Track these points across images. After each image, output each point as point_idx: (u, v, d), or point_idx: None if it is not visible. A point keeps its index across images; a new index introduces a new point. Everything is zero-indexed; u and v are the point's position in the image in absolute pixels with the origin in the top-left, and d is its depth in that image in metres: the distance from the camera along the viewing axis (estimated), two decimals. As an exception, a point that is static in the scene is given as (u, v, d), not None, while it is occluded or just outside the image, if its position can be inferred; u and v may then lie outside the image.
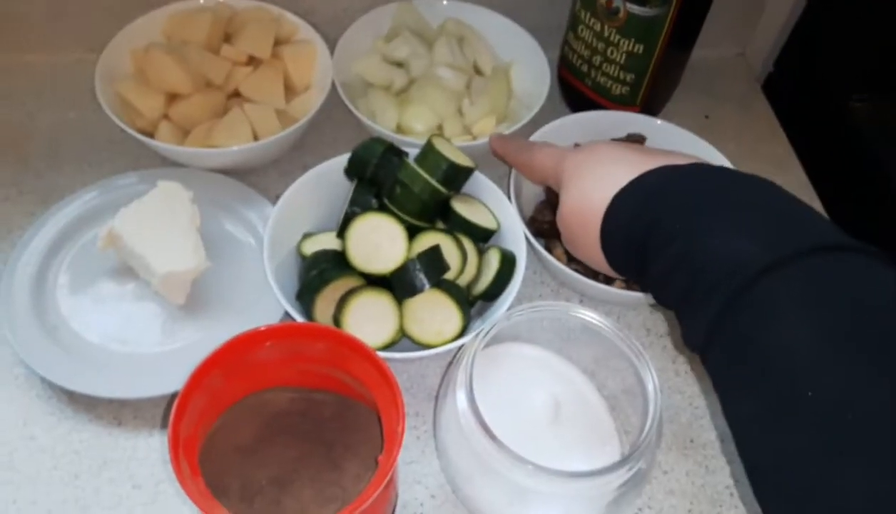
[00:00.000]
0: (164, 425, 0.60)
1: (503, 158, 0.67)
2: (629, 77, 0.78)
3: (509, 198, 0.68)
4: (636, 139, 0.76)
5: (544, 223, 0.71)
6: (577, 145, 0.63)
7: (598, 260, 0.54)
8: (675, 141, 0.75)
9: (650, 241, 0.47)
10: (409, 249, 0.62)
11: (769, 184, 0.46)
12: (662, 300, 0.49)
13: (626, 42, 0.75)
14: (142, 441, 0.59)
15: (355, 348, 0.50)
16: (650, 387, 0.53)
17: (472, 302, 0.66)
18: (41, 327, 0.62)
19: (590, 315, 0.56)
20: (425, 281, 0.60)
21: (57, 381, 0.59)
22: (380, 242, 0.62)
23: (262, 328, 0.50)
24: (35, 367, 0.59)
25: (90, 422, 0.60)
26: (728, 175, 0.48)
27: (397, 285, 0.61)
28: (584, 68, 0.80)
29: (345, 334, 0.50)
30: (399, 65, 0.80)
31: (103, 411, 0.61)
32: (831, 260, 0.39)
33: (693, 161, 0.50)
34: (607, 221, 0.50)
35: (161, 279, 0.63)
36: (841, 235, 0.42)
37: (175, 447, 0.45)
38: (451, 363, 0.64)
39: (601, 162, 0.53)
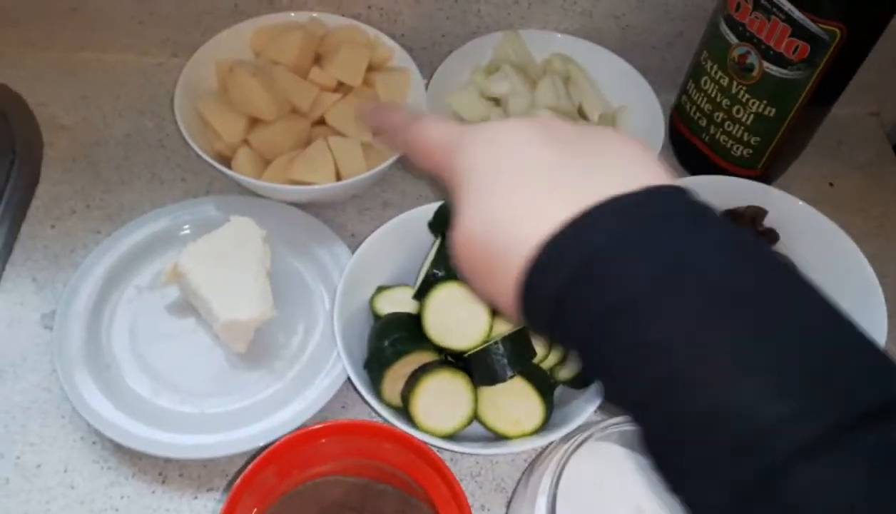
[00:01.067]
0: (212, 487, 0.56)
1: (380, 134, 0.45)
2: (754, 139, 0.69)
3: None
4: (757, 213, 0.67)
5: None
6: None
7: (505, 307, 0.35)
8: (797, 216, 0.67)
9: (608, 338, 0.30)
10: (492, 328, 0.55)
11: (796, 279, 0.31)
12: (618, 404, 0.33)
13: (757, 103, 0.66)
14: (185, 505, 0.55)
15: (426, 457, 0.44)
16: None
17: (555, 385, 0.59)
18: (93, 367, 0.58)
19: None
20: (508, 370, 0.53)
21: (103, 430, 0.55)
22: (461, 316, 0.55)
23: (323, 426, 0.45)
24: (80, 410, 0.55)
25: (133, 477, 0.56)
26: (732, 248, 0.30)
27: (476, 370, 0.54)
28: (703, 123, 0.72)
29: (416, 441, 0.45)
30: (497, 102, 0.73)
31: (148, 466, 0.56)
32: (892, 432, 0.26)
33: (658, 184, 0.31)
34: (532, 279, 0.32)
35: (222, 326, 0.58)
36: None
37: (218, 558, 0.40)
38: (534, 461, 0.58)
39: (518, 168, 0.34)
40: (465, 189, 0.35)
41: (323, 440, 0.45)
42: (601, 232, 0.30)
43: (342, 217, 0.71)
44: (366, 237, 0.61)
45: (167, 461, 0.57)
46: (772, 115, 0.66)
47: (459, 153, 0.36)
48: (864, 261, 0.63)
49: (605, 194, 0.30)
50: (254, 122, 0.67)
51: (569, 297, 0.30)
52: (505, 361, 0.53)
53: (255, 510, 0.44)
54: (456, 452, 0.59)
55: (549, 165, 0.33)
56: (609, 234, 0.29)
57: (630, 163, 0.33)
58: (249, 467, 0.42)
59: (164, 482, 0.56)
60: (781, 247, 0.68)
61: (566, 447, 0.48)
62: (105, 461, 0.56)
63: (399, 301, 0.60)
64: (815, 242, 0.66)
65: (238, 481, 0.41)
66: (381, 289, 0.62)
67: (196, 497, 0.55)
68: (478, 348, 0.54)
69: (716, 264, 0.29)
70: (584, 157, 0.33)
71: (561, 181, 0.32)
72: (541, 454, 0.53)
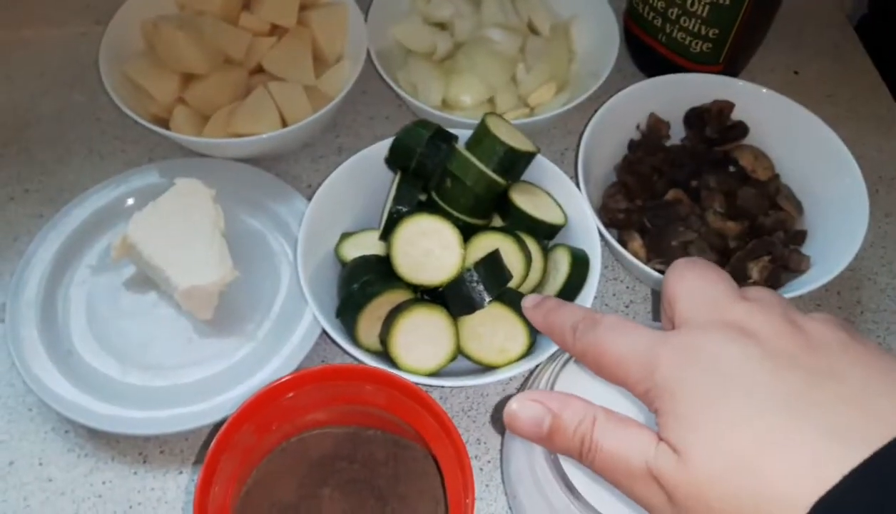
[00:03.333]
0: (195, 460, 0.54)
1: (546, 332, 0.38)
2: (712, 32, 0.66)
3: (577, 184, 0.58)
4: (723, 107, 0.65)
5: (618, 212, 0.61)
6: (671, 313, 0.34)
7: None
8: (764, 106, 0.64)
9: None
10: (465, 255, 0.53)
11: None
12: None
13: (711, -9, 0.63)
14: (171, 481, 0.53)
15: (411, 394, 0.42)
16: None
17: (538, 310, 0.57)
18: (53, 355, 0.55)
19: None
20: (485, 295, 0.51)
21: (72, 416, 0.52)
22: (430, 248, 0.53)
23: (294, 375, 0.42)
24: (47, 401, 0.52)
25: (113, 460, 0.53)
26: None
27: (452, 300, 0.52)
28: (658, 23, 0.69)
29: (397, 378, 0.42)
30: (443, 27, 0.70)
31: (126, 447, 0.54)
32: None
33: None
34: None
35: (183, 294, 0.55)
36: None
37: (202, 527, 0.38)
38: (521, 385, 0.56)
39: (742, 394, 0.28)
40: (678, 409, 0.29)
41: (298, 391, 0.42)
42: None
43: (296, 168, 0.67)
44: (323, 186, 0.58)
45: (146, 439, 0.54)
46: (727, 3, 0.64)
47: (661, 368, 0.30)
48: (841, 144, 0.61)
49: (890, 431, 0.25)
50: (187, 78, 0.63)
51: None
52: (481, 287, 0.51)
53: (240, 472, 0.42)
54: (443, 387, 0.57)
55: (797, 389, 0.27)
56: None
57: (892, 384, 0.27)
58: (224, 425, 0.40)
59: (145, 461, 0.54)
60: (752, 139, 0.66)
61: (553, 365, 0.46)
62: (81, 449, 0.54)
63: (365, 245, 0.58)
64: (786, 130, 0.64)
65: (214, 441, 0.39)
66: (345, 235, 0.59)
67: (181, 472, 0.53)
68: (452, 279, 0.52)
69: None
70: (831, 378, 0.28)
71: (822, 412, 0.26)
72: (529, 378, 0.51)
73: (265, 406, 0.41)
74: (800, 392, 0.27)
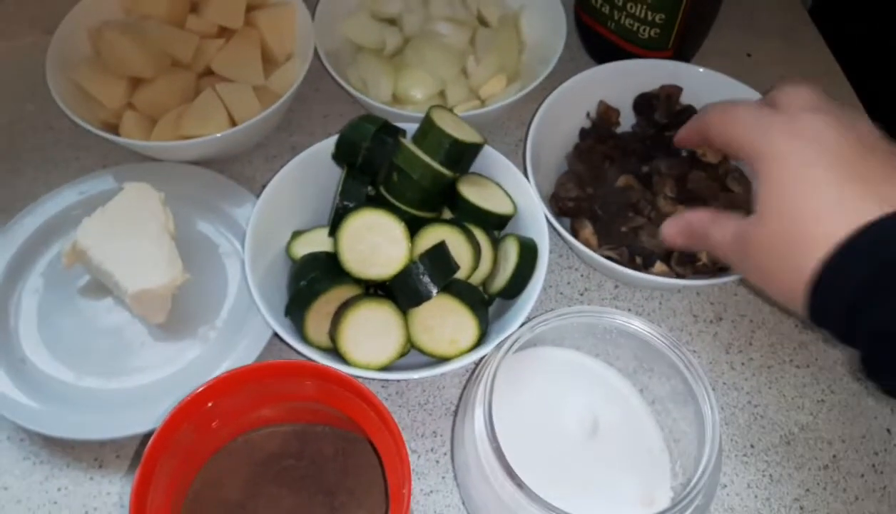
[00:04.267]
0: (149, 463, 0.54)
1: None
2: (658, 17, 0.66)
3: (526, 174, 0.58)
4: (671, 92, 0.65)
5: (568, 200, 0.61)
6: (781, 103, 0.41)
7: (790, 298, 0.38)
8: (715, 90, 0.65)
9: None
10: (412, 248, 0.53)
11: None
12: None
13: (655, -24, 0.63)
14: (127, 485, 0.53)
15: (349, 387, 0.42)
16: (708, 416, 0.44)
17: (490, 301, 0.57)
18: (6, 363, 0.55)
19: (636, 325, 0.47)
20: (431, 286, 0.51)
21: (26, 424, 0.52)
22: (377, 242, 0.53)
23: (229, 373, 0.42)
24: (2, 411, 0.52)
25: (68, 466, 0.53)
26: None
27: (399, 293, 0.52)
28: (606, 10, 0.69)
29: (332, 371, 0.42)
30: (392, 22, 0.70)
31: (82, 453, 0.54)
32: None
33: None
34: (827, 279, 0.36)
35: (133, 298, 0.55)
36: None
37: (139, 527, 0.38)
38: (470, 377, 0.56)
39: (826, 163, 0.37)
40: (769, 177, 0.38)
41: (235, 391, 0.42)
42: None
43: (249, 169, 0.67)
44: (277, 186, 0.58)
45: (102, 444, 0.54)
46: (672, -13, 0.64)
47: (770, 137, 0.39)
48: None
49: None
50: (135, 83, 0.63)
51: (869, 302, 0.34)
52: (427, 278, 0.51)
53: (183, 473, 0.42)
54: (398, 381, 0.57)
55: (857, 160, 0.36)
56: None
57: None
58: (159, 428, 0.39)
59: (101, 466, 0.53)
60: (701, 122, 0.66)
61: (498, 354, 0.47)
62: (36, 456, 0.54)
63: (316, 242, 0.58)
64: (735, 111, 0.65)
65: (148, 445, 0.39)
66: (296, 234, 0.59)
67: (136, 476, 0.53)
68: (398, 272, 0.52)
69: None
70: (878, 154, 0.37)
71: (870, 177, 0.35)
72: (476, 368, 0.51)
73: (201, 406, 0.41)
74: (868, 162, 0.36)
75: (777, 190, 0.38)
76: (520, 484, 0.42)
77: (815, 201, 0.36)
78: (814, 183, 0.36)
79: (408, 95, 0.66)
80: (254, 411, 0.45)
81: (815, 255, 0.35)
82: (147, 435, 0.53)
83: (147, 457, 0.39)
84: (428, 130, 0.55)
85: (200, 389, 0.41)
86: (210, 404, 0.42)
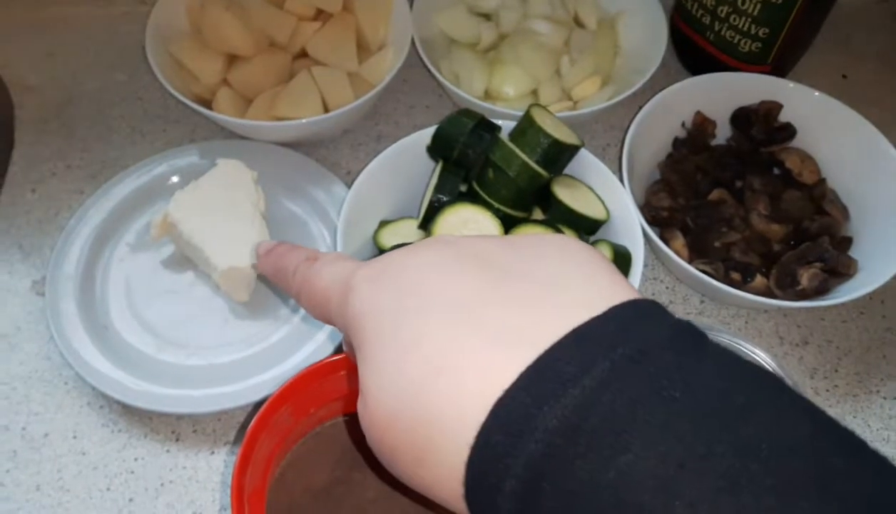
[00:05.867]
0: (228, 441, 0.54)
1: (274, 279, 0.32)
2: (762, 31, 0.65)
3: (621, 180, 0.57)
4: (771, 107, 0.64)
5: (662, 210, 0.60)
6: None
7: (448, 499, 0.23)
8: (814, 108, 0.63)
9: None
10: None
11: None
12: None
13: (764, -11, 0.62)
14: (202, 461, 0.53)
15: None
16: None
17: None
18: (90, 329, 0.55)
19: (747, 348, 0.46)
20: (526, 287, 0.51)
21: (107, 391, 0.52)
22: (471, 238, 0.52)
23: (336, 359, 0.42)
24: (83, 374, 0.53)
25: (146, 437, 0.53)
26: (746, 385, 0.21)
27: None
28: (707, 20, 0.68)
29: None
30: (488, 18, 0.69)
31: (160, 425, 0.54)
32: None
33: (627, 299, 0.23)
34: (485, 462, 0.21)
35: (222, 275, 0.55)
36: None
37: (239, 505, 0.38)
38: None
39: (429, 306, 0.24)
40: (363, 343, 0.25)
41: (336, 375, 0.42)
42: (574, 383, 0.20)
43: (335, 155, 0.67)
44: (362, 174, 0.57)
45: (179, 417, 0.54)
46: (779, 2, 0.62)
47: (352, 295, 0.26)
48: (890, 147, 0.60)
49: (563, 326, 0.21)
50: (231, 60, 0.63)
51: (547, 478, 0.20)
52: (521, 280, 0.50)
53: (275, 455, 0.42)
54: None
55: (475, 293, 0.23)
56: (586, 385, 0.20)
57: (582, 276, 0.24)
58: (264, 406, 0.39)
59: (177, 439, 0.54)
60: (799, 141, 0.64)
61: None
62: (115, 425, 0.54)
63: (403, 234, 0.57)
64: (835, 133, 0.63)
65: (253, 421, 0.39)
66: (383, 223, 0.59)
67: (213, 452, 0.53)
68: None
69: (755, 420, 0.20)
70: (519, 277, 0.24)
71: (496, 315, 0.23)
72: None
73: (305, 388, 0.41)
74: (481, 295, 0.23)
75: (372, 351, 0.24)
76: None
77: (430, 364, 0.22)
78: (422, 338, 0.23)
79: (500, 92, 0.65)
80: (347, 397, 0.44)
81: (458, 436, 0.22)
82: (224, 412, 0.54)
83: (250, 435, 0.39)
84: (527, 128, 0.55)
85: (305, 371, 0.41)
86: (311, 389, 0.41)
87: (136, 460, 0.53)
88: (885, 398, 0.57)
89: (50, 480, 0.52)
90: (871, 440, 0.55)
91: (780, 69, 0.69)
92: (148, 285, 0.58)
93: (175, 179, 0.62)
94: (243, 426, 0.54)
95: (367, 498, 0.44)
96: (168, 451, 0.53)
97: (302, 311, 0.57)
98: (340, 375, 0.42)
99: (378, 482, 0.45)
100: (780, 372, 0.46)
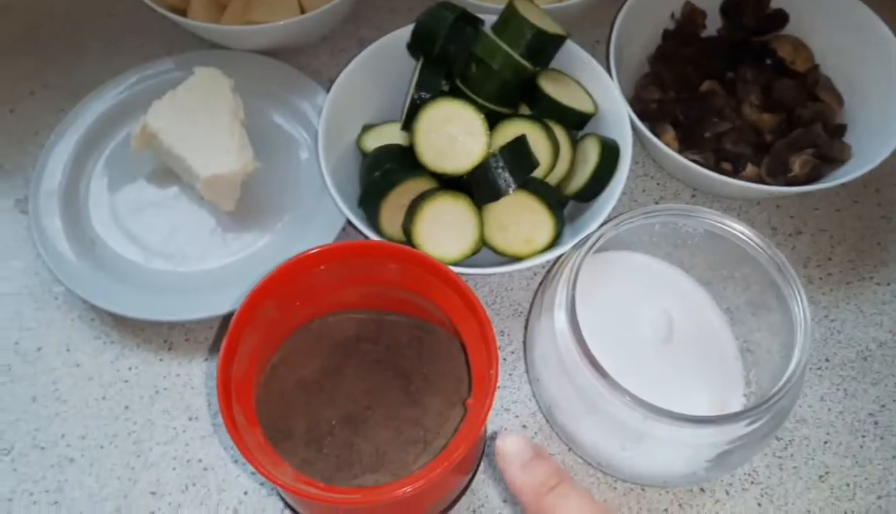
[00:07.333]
0: (218, 347, 0.54)
1: (511, 481, 0.35)
2: (753, -87, 0.62)
3: (609, 72, 0.56)
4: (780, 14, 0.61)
5: (651, 102, 0.59)
6: None
7: None
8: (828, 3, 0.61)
9: None
10: (490, 142, 0.51)
11: None
12: None
13: None
14: (196, 368, 0.53)
15: (435, 270, 0.41)
16: (798, 317, 0.43)
17: (564, 203, 0.56)
18: (76, 241, 0.55)
19: (728, 223, 0.46)
20: (510, 181, 0.50)
21: (97, 302, 0.52)
22: (454, 134, 0.51)
23: (318, 249, 0.41)
24: (72, 287, 0.53)
25: (138, 347, 0.54)
26: None
27: (476, 186, 0.51)
28: None
29: (422, 255, 0.41)
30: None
31: (152, 335, 0.54)
32: None
33: None
34: None
35: (205, 183, 0.54)
36: None
37: (226, 395, 0.38)
38: (545, 276, 0.55)
39: None
40: None
41: (322, 267, 0.42)
42: None
43: (316, 62, 0.65)
44: (344, 79, 0.56)
45: (171, 327, 0.54)
46: None
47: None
48: (886, 29, 0.59)
49: None
50: (204, -35, 0.61)
51: None
52: (506, 173, 0.50)
53: (263, 348, 0.42)
54: (467, 275, 0.56)
55: None
56: None
57: None
58: (247, 297, 0.39)
59: (170, 348, 0.54)
60: (792, 28, 0.62)
61: (580, 252, 0.45)
62: (107, 336, 0.54)
63: (387, 136, 0.56)
64: (829, 18, 0.61)
65: (237, 312, 0.39)
66: (366, 128, 0.58)
67: (206, 359, 0.54)
68: (477, 165, 0.51)
69: None
70: None
71: None
72: (551, 269, 0.50)
73: (289, 280, 0.41)
74: None
75: None
76: (603, 374, 0.41)
77: None
78: None
79: (483, -11, 0.63)
80: (333, 293, 0.44)
81: None
82: (215, 318, 0.54)
83: (233, 327, 0.39)
84: (510, 19, 0.53)
85: (287, 263, 0.40)
86: (296, 281, 0.41)
87: (129, 369, 0.53)
88: (878, 284, 0.57)
89: (46, 392, 0.52)
90: (864, 325, 0.55)
91: (773, -44, 0.66)
92: (132, 199, 0.58)
93: (153, 91, 0.61)
94: (235, 334, 0.54)
95: (360, 390, 0.44)
96: (161, 360, 0.53)
97: (286, 218, 0.57)
98: (321, 269, 0.42)
99: (369, 377, 0.45)
100: (768, 252, 0.45)
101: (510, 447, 0.35)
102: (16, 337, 0.54)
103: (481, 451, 0.48)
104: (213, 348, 0.54)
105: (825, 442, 0.51)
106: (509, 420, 0.52)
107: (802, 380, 0.43)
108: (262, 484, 0.49)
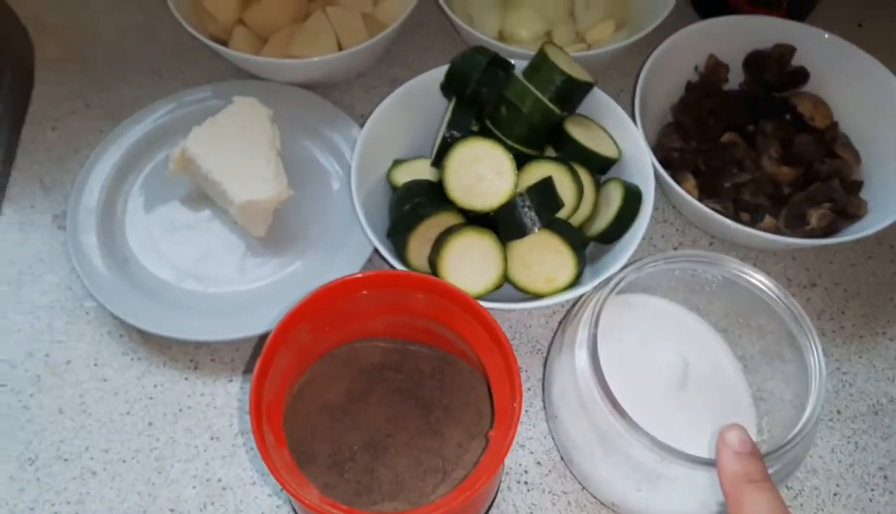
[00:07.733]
0: (245, 369, 0.55)
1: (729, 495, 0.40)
2: (777, -26, 0.65)
3: (634, 120, 0.57)
4: (784, 51, 0.64)
5: (673, 151, 0.61)
6: None
7: None
8: (828, 52, 0.63)
9: None
10: (517, 182, 0.53)
11: None
12: None
13: (780, -70, 0.62)
14: (220, 388, 0.54)
15: (462, 303, 0.43)
16: (814, 368, 0.44)
17: (586, 244, 0.57)
18: (110, 258, 0.56)
19: (749, 273, 0.47)
20: (536, 220, 0.51)
21: (127, 319, 0.54)
22: (482, 173, 0.53)
23: (355, 277, 0.43)
24: (104, 302, 0.54)
25: (164, 365, 0.55)
26: None
27: (503, 224, 0.52)
28: (722, -36, 0.67)
29: (450, 287, 0.43)
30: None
31: (178, 353, 0.55)
32: None
33: None
34: None
35: (239, 209, 0.56)
36: None
37: (257, 414, 0.39)
38: (566, 315, 0.57)
39: None
40: None
41: (353, 295, 0.43)
42: None
43: (349, 98, 0.68)
44: (376, 117, 0.58)
45: (197, 347, 0.56)
46: (796, -56, 0.62)
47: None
48: (904, 92, 0.60)
49: None
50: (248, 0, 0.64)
51: None
52: (532, 212, 0.51)
53: (293, 370, 0.43)
54: (489, 309, 0.57)
55: None
56: None
57: None
58: (283, 319, 0.40)
59: (196, 368, 0.55)
60: (812, 86, 0.64)
61: (602, 293, 0.47)
62: (134, 353, 0.56)
63: (417, 172, 0.58)
64: (848, 77, 0.63)
65: (272, 333, 0.40)
66: (397, 162, 0.59)
67: (231, 380, 0.55)
68: (504, 204, 0.52)
69: None
70: None
71: None
72: (572, 309, 0.51)
73: (323, 305, 0.42)
74: None
75: None
76: (623, 414, 0.42)
77: None
78: None
79: (514, 33, 0.65)
80: (361, 321, 0.46)
81: None
82: (242, 341, 0.55)
83: (268, 348, 0.40)
84: (540, 65, 0.55)
85: (324, 287, 0.42)
86: (329, 308, 0.43)
87: (155, 386, 0.54)
88: (891, 339, 0.58)
89: (72, 404, 0.53)
90: (876, 379, 0.56)
91: (794, 15, 0.69)
92: (167, 220, 0.59)
93: (192, 117, 0.63)
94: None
95: (382, 417, 0.45)
96: (186, 378, 0.55)
97: (317, 246, 0.58)
98: (361, 294, 0.44)
99: (391, 406, 0.46)
100: (785, 302, 0.46)
101: (733, 436, 0.40)
102: (46, 349, 0.55)
103: (497, 486, 0.48)
104: (237, 369, 0.55)
105: (835, 494, 0.52)
106: (524, 456, 0.53)
107: (815, 430, 0.44)
108: (278, 507, 0.50)
